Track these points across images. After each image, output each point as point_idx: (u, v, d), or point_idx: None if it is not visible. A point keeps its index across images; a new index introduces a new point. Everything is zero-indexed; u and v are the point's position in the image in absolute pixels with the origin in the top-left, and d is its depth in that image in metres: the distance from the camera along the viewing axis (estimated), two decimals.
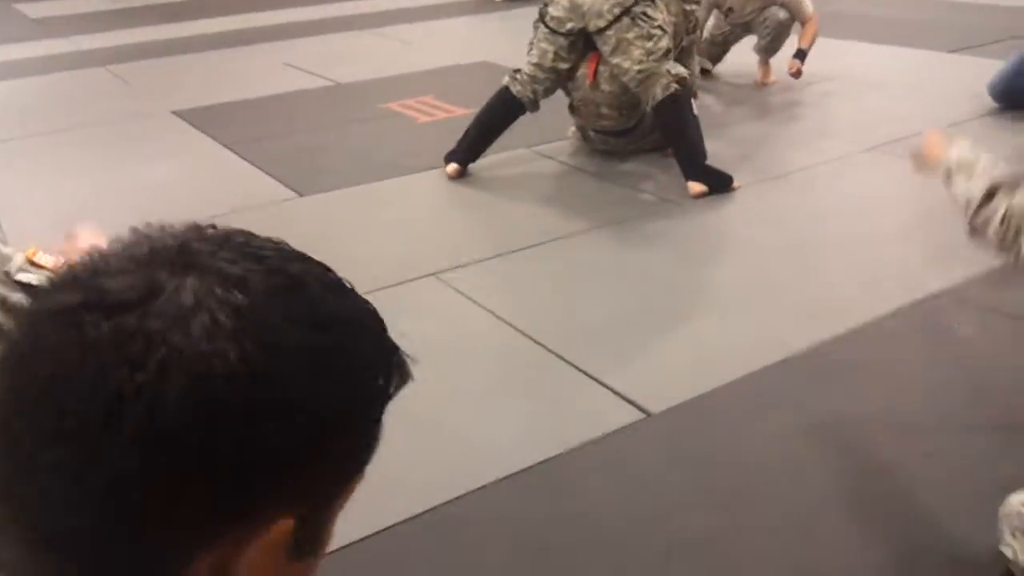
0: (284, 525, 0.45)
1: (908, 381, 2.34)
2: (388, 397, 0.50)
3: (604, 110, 3.94)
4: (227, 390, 0.42)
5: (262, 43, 7.34)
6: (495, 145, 4.03)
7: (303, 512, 0.46)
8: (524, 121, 3.99)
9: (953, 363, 2.41)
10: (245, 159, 4.38)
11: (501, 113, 3.95)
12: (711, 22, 5.24)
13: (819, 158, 4.02)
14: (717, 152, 3.86)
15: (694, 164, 3.64)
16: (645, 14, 3.64)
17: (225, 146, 4.60)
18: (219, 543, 0.44)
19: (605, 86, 3.83)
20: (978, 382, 2.31)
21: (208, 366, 0.42)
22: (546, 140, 4.32)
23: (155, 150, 4.59)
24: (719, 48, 5.31)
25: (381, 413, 0.50)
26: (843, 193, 3.67)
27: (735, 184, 3.62)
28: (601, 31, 3.66)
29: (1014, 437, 2.06)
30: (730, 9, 5.11)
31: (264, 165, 4.25)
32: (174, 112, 5.23)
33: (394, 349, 0.52)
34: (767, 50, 5.13)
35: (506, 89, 3.91)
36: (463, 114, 4.55)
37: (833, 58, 5.37)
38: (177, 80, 6.22)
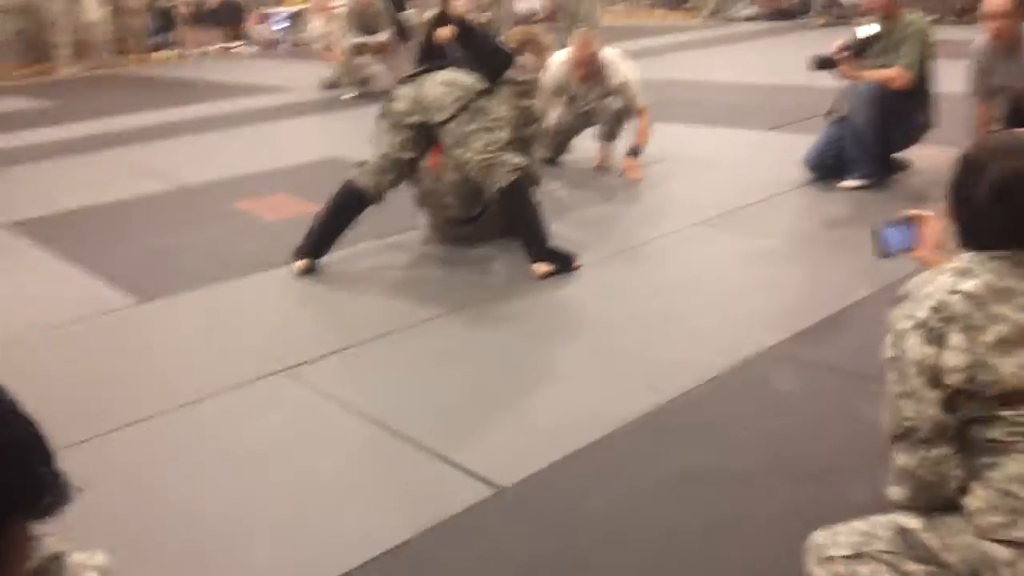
0: None
1: (738, 436, 2.47)
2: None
3: (449, 199, 4.06)
4: None
5: (108, 149, 7.22)
6: (345, 238, 4.06)
7: None
8: (373, 213, 4.04)
9: (779, 416, 2.56)
10: (83, 268, 4.25)
11: (346, 206, 3.99)
12: (556, 112, 5.49)
13: (656, 233, 4.25)
14: (562, 233, 4.02)
15: (537, 246, 3.77)
16: (484, 108, 3.81)
17: (62, 256, 4.45)
18: None
19: (448, 176, 3.96)
20: (800, 432, 2.46)
21: None
22: (397, 231, 4.39)
23: None
24: (564, 137, 5.56)
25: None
26: (678, 265, 3.89)
27: (577, 263, 3.77)
28: (443, 124, 3.79)
29: (827, 479, 2.20)
30: (574, 97, 5.36)
31: (103, 273, 4.14)
32: (14, 223, 5.03)
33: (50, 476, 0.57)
34: (607, 136, 5.40)
35: (350, 183, 3.96)
36: (313, 209, 4.55)
37: (668, 140, 5.70)
38: (15, 191, 6.00)
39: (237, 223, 4.91)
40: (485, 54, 4.02)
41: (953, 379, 1.44)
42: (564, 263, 3.75)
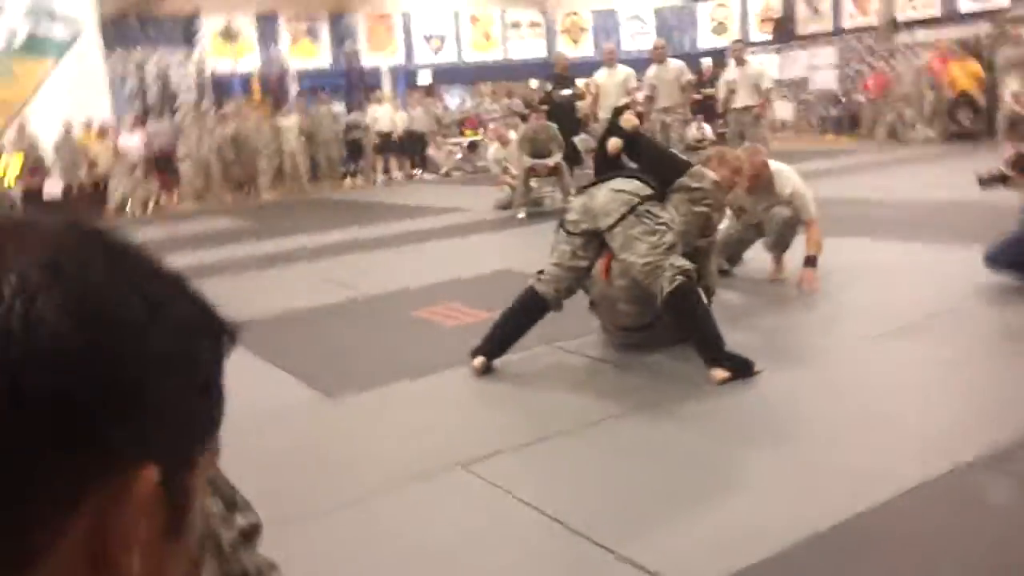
0: (147, 475, 0.42)
1: (938, 553, 2.28)
2: (220, 356, 0.51)
3: (621, 306, 4.09)
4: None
5: (300, 262, 7.77)
6: (519, 343, 4.14)
7: (162, 462, 0.43)
8: (545, 320, 4.11)
9: (986, 531, 2.36)
10: (277, 366, 4.53)
11: (526, 310, 4.09)
12: (724, 224, 5.49)
13: (837, 342, 4.10)
14: (739, 341, 3.95)
15: (713, 351, 3.71)
16: (650, 212, 3.86)
17: (258, 355, 4.75)
18: (81, 509, 0.40)
19: (619, 281, 4.01)
20: (1010, 551, 2.25)
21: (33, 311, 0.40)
22: (569, 337, 4.45)
23: None
24: (734, 248, 5.53)
25: (215, 374, 0.50)
26: (862, 373, 3.71)
27: (757, 368, 3.68)
28: (610, 228, 3.87)
29: None
30: (741, 208, 5.36)
31: (294, 371, 4.39)
32: None
33: (222, 318, 0.52)
34: (776, 246, 5.33)
35: (531, 288, 4.07)
36: (488, 317, 4.70)
37: (843, 253, 5.55)
38: (216, 298, 6.50)
39: (415, 329, 5.12)
40: (655, 163, 4.11)
41: None
42: (744, 368, 3.66)
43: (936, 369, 3.69)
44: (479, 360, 4.04)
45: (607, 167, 4.24)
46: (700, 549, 2.39)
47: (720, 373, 3.64)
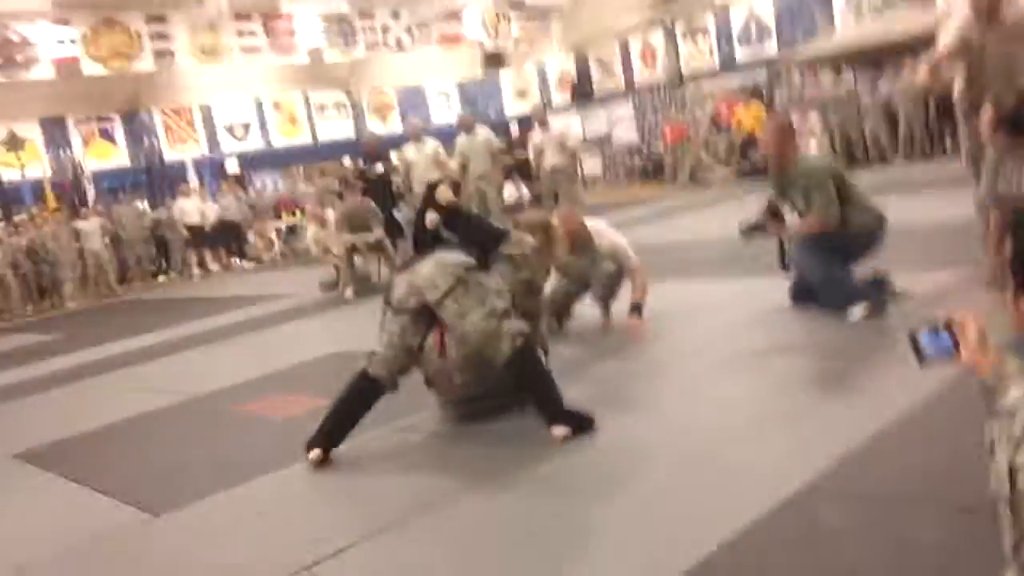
0: None
1: None
2: None
3: (457, 377, 4.00)
4: None
5: (112, 372, 7.26)
6: (357, 428, 3.96)
7: None
8: (383, 399, 3.97)
9: (833, 557, 2.40)
10: (95, 489, 4.15)
11: (361, 395, 3.92)
12: (550, 283, 5.55)
13: (667, 386, 4.17)
14: (577, 393, 3.95)
15: (553, 410, 3.69)
16: (478, 281, 3.85)
17: (73, 480, 4.35)
18: None
19: (454, 353, 3.92)
20: (858, 570, 2.30)
21: None
22: (406, 414, 4.31)
23: None
24: (561, 304, 5.59)
25: None
26: (692, 415, 3.75)
27: (594, 422, 3.68)
28: (440, 301, 3.81)
29: None
30: (566, 267, 5.44)
31: (113, 492, 4.03)
32: (15, 455, 4.96)
33: None
34: (604, 298, 5.44)
35: (364, 372, 3.91)
36: (321, 404, 4.49)
37: (664, 296, 5.73)
38: (19, 422, 5.97)
39: (244, 426, 4.84)
40: (473, 234, 4.11)
41: None
42: (584, 423, 3.65)
43: (762, 400, 3.81)
44: (315, 453, 3.83)
45: (426, 242, 4.19)
46: None
47: (561, 431, 3.61)
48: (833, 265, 4.71)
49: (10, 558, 3.44)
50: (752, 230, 5.07)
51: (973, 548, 2.16)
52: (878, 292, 4.75)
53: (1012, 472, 1.36)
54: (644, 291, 5.24)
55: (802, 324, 4.82)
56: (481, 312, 3.77)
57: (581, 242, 5.25)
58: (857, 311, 4.59)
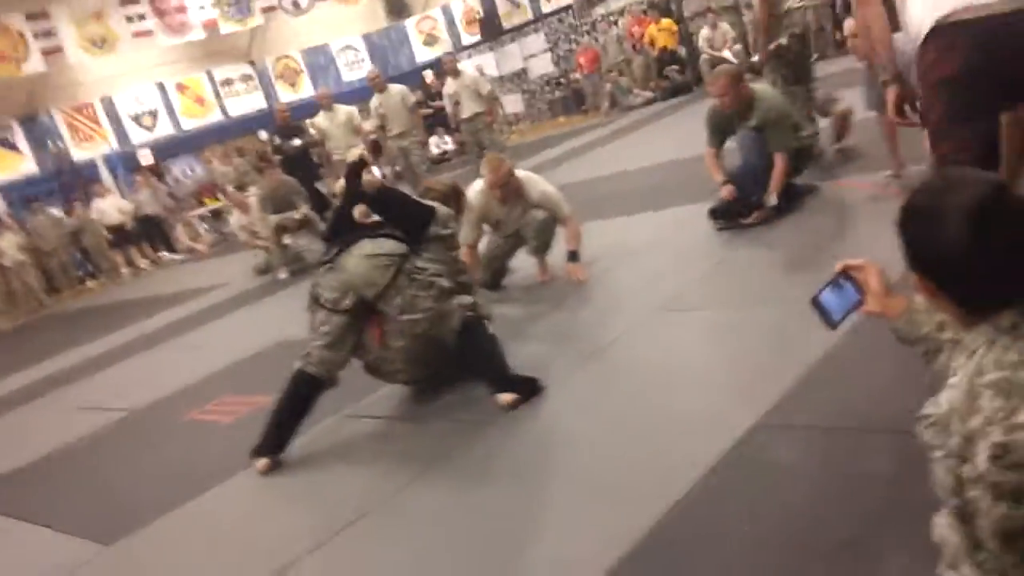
0: None
1: (755, 524, 2.29)
2: None
3: (399, 366, 3.91)
4: None
5: (48, 394, 7.02)
6: (305, 422, 3.86)
7: None
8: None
9: (788, 492, 2.40)
10: (41, 524, 4.02)
11: (301, 395, 3.79)
12: (485, 240, 5.46)
13: (615, 331, 4.13)
14: (523, 351, 3.93)
15: (499, 378, 3.65)
16: (416, 268, 3.74)
17: (18, 518, 4.20)
18: None
19: (395, 343, 3.81)
20: (815, 505, 2.29)
21: None
22: (355, 399, 4.23)
23: None
24: (499, 262, 5.50)
25: None
26: (644, 359, 3.74)
27: (541, 384, 3.64)
28: (380, 296, 3.70)
29: (860, 550, 2.04)
30: (498, 222, 5.34)
31: (60, 524, 3.90)
32: None
33: None
34: (538, 250, 5.35)
35: (301, 372, 3.78)
36: (267, 401, 4.39)
37: (599, 237, 5.70)
38: None
39: (192, 436, 4.71)
40: (402, 217, 3.91)
41: None
42: (529, 387, 3.61)
43: (709, 337, 3.80)
44: (262, 463, 3.72)
45: (343, 229, 4.00)
46: None
47: (507, 397, 3.56)
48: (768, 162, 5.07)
49: None
50: (722, 215, 5.22)
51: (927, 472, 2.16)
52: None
53: (959, 486, 1.27)
54: (578, 237, 5.18)
55: (732, 251, 4.80)
56: (426, 298, 3.71)
57: (513, 192, 5.15)
58: (773, 197, 5.02)
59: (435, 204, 4.05)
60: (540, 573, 2.40)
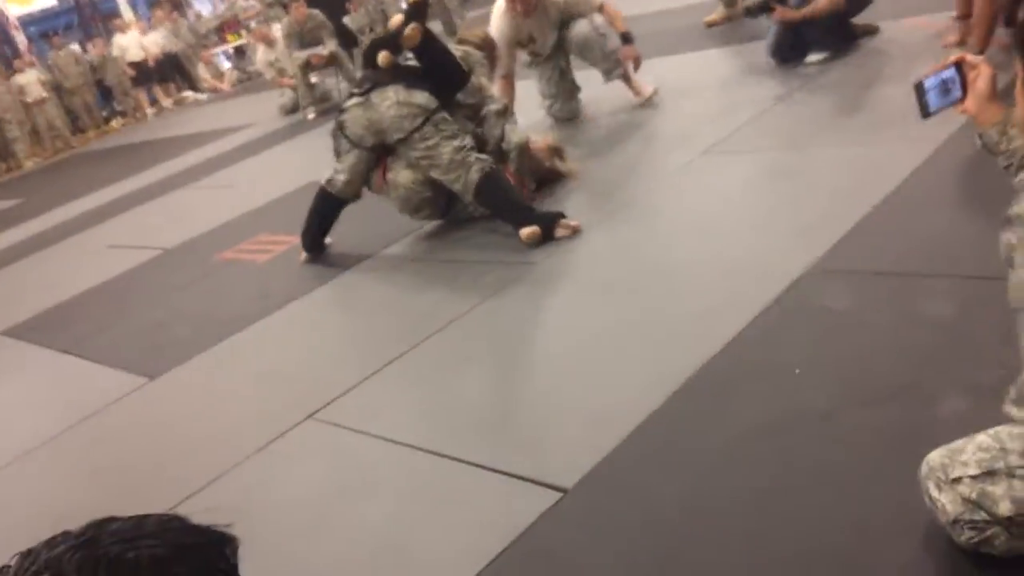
0: None
1: (805, 370, 2.25)
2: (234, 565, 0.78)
3: (395, 204, 4.07)
4: None
5: (82, 232, 7.06)
6: (344, 261, 4.11)
7: None
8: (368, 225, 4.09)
9: (840, 338, 2.34)
10: (86, 358, 4.09)
11: (327, 209, 4.20)
12: (538, 76, 5.22)
13: (662, 175, 4.01)
14: (563, 200, 3.81)
15: (521, 216, 3.66)
16: (444, 119, 3.79)
17: (62, 351, 4.28)
18: None
19: (394, 192, 3.99)
20: (867, 351, 2.24)
21: None
22: (392, 240, 4.22)
23: None
24: (566, 97, 5.27)
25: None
26: (693, 202, 3.65)
27: (568, 221, 3.59)
28: (404, 140, 3.79)
29: (911, 396, 2.00)
30: (531, 38, 5.07)
31: (106, 359, 3.97)
32: (2, 332, 4.87)
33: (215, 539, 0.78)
34: (610, 71, 5.05)
35: (324, 190, 4.13)
36: (298, 241, 4.39)
37: (641, 77, 5.47)
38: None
39: (227, 275, 4.72)
40: (439, 71, 3.88)
41: None
42: (551, 220, 3.59)
43: (759, 180, 3.67)
44: (303, 256, 4.33)
45: (378, 69, 3.92)
46: (570, 440, 2.27)
47: (527, 230, 3.57)
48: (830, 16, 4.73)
49: (19, 442, 3.40)
50: (760, 10, 4.90)
51: (986, 315, 2.09)
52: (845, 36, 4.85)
53: None
54: (620, 18, 4.97)
55: (789, 92, 4.58)
56: (450, 147, 3.74)
57: (533, 4, 4.88)
58: (817, 55, 4.83)
59: (468, 68, 4.02)
60: (582, 411, 2.40)
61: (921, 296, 2.40)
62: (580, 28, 4.95)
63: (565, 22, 4.98)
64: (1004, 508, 1.41)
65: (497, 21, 4.92)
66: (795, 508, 1.80)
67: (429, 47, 3.88)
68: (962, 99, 1.68)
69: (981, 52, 4.06)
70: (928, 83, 1.68)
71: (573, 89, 5.34)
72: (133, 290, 5.00)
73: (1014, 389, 1.40)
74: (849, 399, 2.07)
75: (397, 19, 3.92)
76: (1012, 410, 1.40)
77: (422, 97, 3.77)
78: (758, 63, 5.10)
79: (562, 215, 3.63)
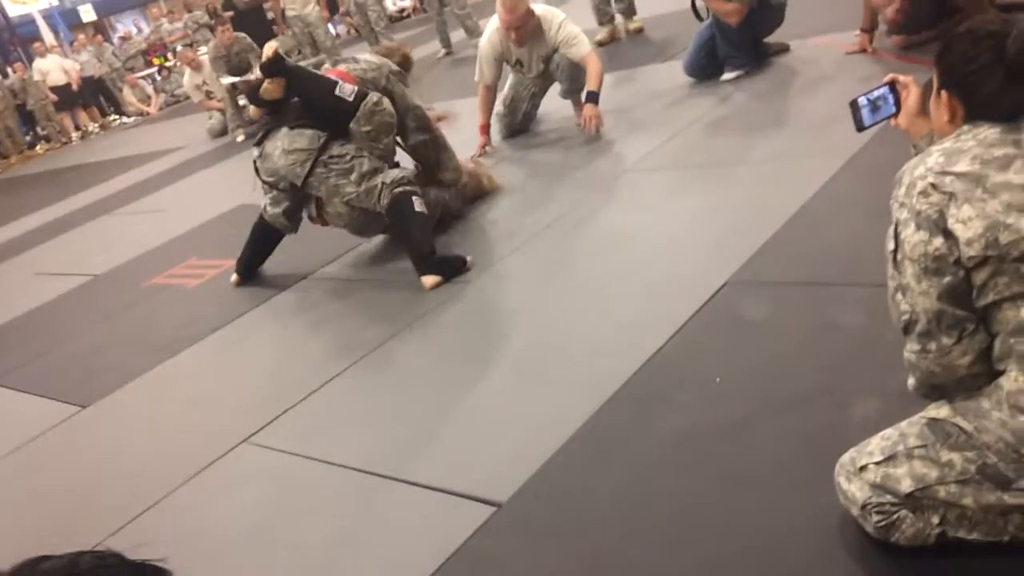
0: None
1: (724, 379, 2.35)
2: None
3: (347, 229, 4.05)
4: None
5: (10, 259, 6.90)
6: (278, 284, 4.14)
7: None
8: (297, 250, 4.10)
9: (758, 347, 2.45)
10: (14, 388, 4.02)
11: (264, 238, 4.22)
12: (511, 83, 5.28)
13: (580, 194, 4.10)
14: (496, 210, 3.86)
15: (422, 259, 3.61)
16: (332, 157, 3.74)
17: None
18: None
19: (337, 223, 3.97)
20: (785, 359, 2.35)
21: None
22: (328, 259, 4.27)
23: None
24: (528, 106, 5.32)
25: None
26: (613, 219, 3.76)
27: (469, 263, 3.61)
28: (305, 183, 3.81)
29: (827, 401, 2.11)
30: (519, 62, 5.11)
31: (36, 388, 3.91)
32: None
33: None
34: (571, 92, 5.10)
35: (261, 219, 4.13)
36: (231, 264, 4.38)
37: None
38: None
39: (158, 300, 4.67)
40: (319, 109, 3.80)
41: (974, 250, 1.38)
42: (453, 269, 3.58)
43: (677, 197, 3.78)
44: (234, 277, 4.34)
45: (268, 108, 3.98)
46: (502, 456, 2.33)
47: (430, 279, 3.55)
48: (743, 35, 5.01)
49: None
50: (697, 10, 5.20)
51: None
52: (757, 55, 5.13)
53: (896, 232, 1.48)
54: (599, 77, 4.78)
55: (702, 111, 4.74)
56: (349, 183, 3.75)
57: (531, 32, 4.84)
58: (731, 73, 5.05)
59: (361, 95, 3.81)
60: (512, 428, 2.46)
61: (834, 304, 2.52)
62: (570, 60, 4.90)
63: (551, 57, 4.99)
64: (906, 485, 1.54)
65: (489, 35, 4.93)
66: (718, 512, 1.89)
67: (297, 92, 3.83)
68: (896, 115, 1.83)
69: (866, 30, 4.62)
70: (861, 100, 1.84)
71: (533, 112, 5.40)
72: (62, 318, 4.91)
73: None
74: (766, 406, 2.17)
75: (256, 76, 3.95)
76: (909, 381, 1.57)
77: (304, 140, 3.74)
78: (677, 81, 5.26)
79: (464, 261, 3.61)
